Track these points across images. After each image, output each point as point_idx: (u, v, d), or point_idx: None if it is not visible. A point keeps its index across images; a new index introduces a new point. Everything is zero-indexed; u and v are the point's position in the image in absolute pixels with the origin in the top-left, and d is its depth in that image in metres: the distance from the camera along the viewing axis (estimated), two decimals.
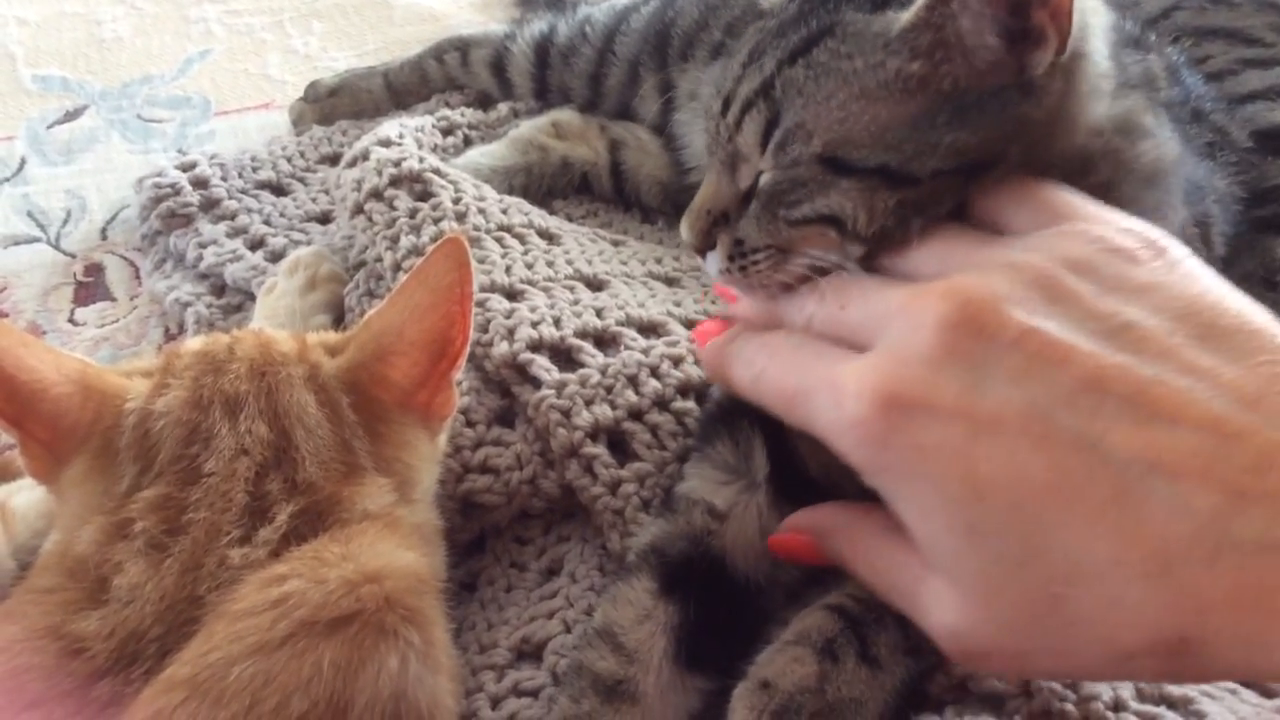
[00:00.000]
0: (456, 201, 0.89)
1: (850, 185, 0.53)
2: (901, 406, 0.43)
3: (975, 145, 0.52)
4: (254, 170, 1.10)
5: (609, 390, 0.75)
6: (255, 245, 1.00)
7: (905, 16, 0.52)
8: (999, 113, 0.52)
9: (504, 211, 0.90)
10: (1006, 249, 0.47)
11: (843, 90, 0.53)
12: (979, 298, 0.44)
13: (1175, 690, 0.57)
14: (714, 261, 0.60)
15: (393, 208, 0.89)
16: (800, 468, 0.67)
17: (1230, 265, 0.76)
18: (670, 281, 0.91)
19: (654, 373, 0.76)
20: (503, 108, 1.18)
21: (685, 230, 0.61)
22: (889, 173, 0.52)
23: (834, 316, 0.51)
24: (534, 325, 0.78)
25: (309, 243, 0.99)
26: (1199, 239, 0.66)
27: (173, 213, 1.03)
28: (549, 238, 0.91)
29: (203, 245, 1.00)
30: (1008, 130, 0.52)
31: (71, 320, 1.01)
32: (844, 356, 0.47)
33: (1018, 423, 0.41)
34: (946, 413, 0.42)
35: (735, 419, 0.69)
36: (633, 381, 0.75)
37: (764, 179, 0.56)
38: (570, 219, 1.04)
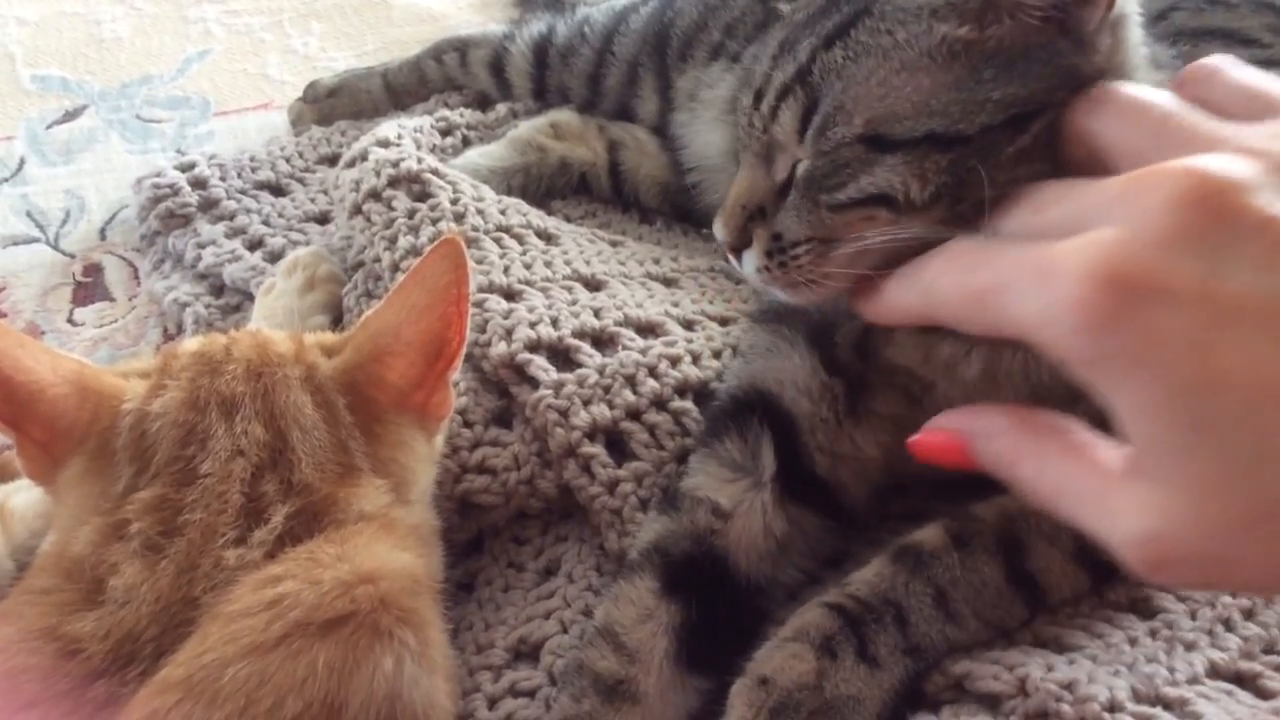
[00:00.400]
0: (454, 202, 0.89)
1: (896, 160, 0.53)
2: (1133, 288, 0.39)
3: (1025, 97, 0.52)
4: (253, 170, 1.10)
5: (607, 390, 0.75)
6: (254, 245, 1.01)
7: None
8: (1047, 64, 0.52)
9: (502, 212, 0.90)
10: (1234, 131, 0.44)
11: (883, 67, 0.53)
12: (1217, 178, 0.40)
13: (1171, 691, 0.57)
14: (750, 260, 0.59)
15: (391, 208, 0.89)
16: (808, 468, 0.67)
17: None
18: (668, 282, 0.91)
19: (652, 373, 0.76)
20: (501, 108, 1.18)
21: (719, 228, 0.60)
22: (936, 138, 0.52)
23: (1027, 221, 0.47)
24: (532, 325, 0.78)
25: (307, 243, 0.99)
26: None
27: (171, 213, 1.03)
28: (547, 238, 0.91)
29: (201, 245, 1.00)
30: (1058, 80, 0.52)
31: (70, 320, 1.01)
32: (1048, 244, 0.43)
33: (1263, 314, 0.38)
34: (1184, 297, 0.39)
35: (745, 416, 0.69)
36: (630, 381, 0.75)
37: (802, 167, 0.56)
38: (569, 219, 1.04)
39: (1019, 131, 0.52)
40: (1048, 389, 0.61)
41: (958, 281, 0.46)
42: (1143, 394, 0.40)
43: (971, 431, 0.50)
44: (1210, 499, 0.39)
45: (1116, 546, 0.42)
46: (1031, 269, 0.42)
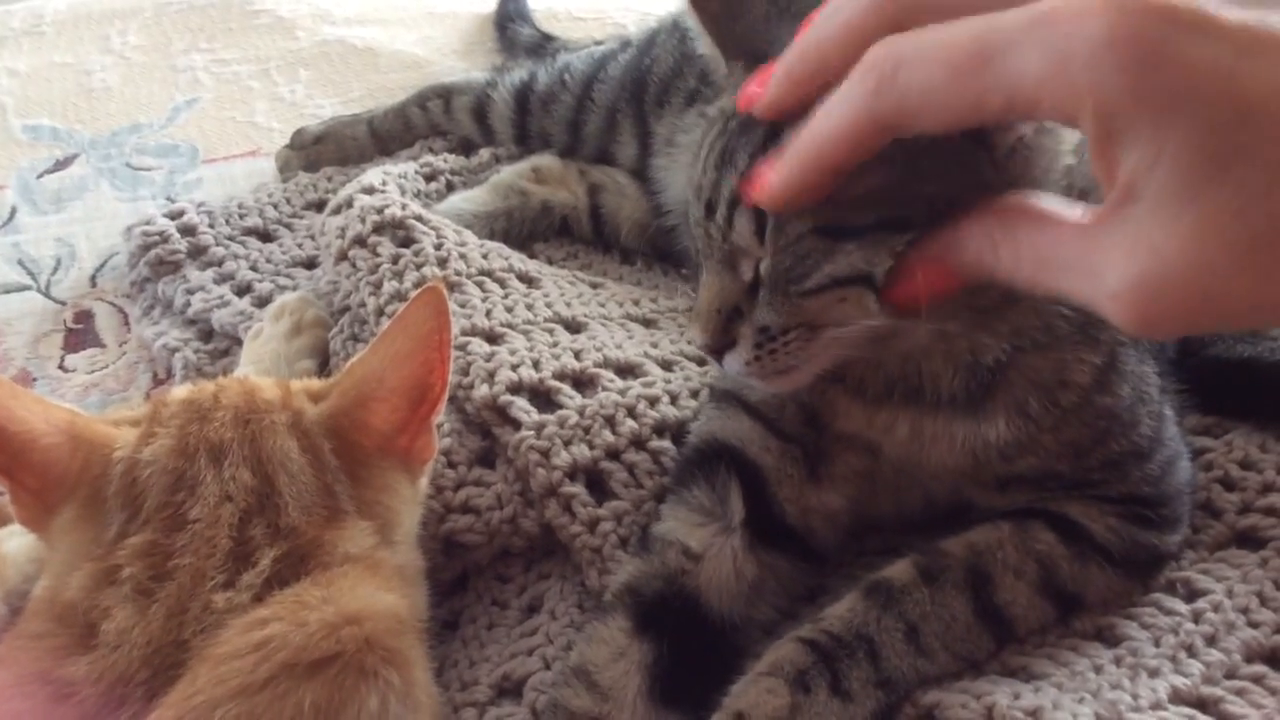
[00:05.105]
0: (438, 247, 0.91)
1: (852, 246, 0.54)
2: (1174, 20, 0.39)
3: (953, 197, 0.52)
4: (241, 217, 1.12)
5: (587, 430, 0.76)
6: (242, 291, 1.03)
7: None
8: (971, 171, 0.53)
9: (484, 256, 0.92)
10: None
11: None
12: None
13: (1135, 717, 0.58)
14: (736, 359, 0.60)
15: (376, 254, 0.91)
16: (778, 515, 0.69)
17: None
18: (648, 323, 0.93)
19: (631, 413, 0.78)
20: (484, 153, 1.20)
21: (698, 334, 0.61)
22: (888, 223, 0.53)
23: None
24: (513, 368, 0.79)
25: (295, 288, 1.01)
26: None
27: (161, 260, 1.05)
28: (529, 281, 0.93)
29: (190, 291, 1.02)
30: (977, 189, 0.53)
31: (61, 367, 1.02)
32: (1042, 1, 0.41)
33: None
34: (1218, 29, 0.39)
35: (712, 463, 0.70)
36: (610, 422, 0.77)
37: (765, 264, 0.58)
38: (551, 262, 1.06)
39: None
40: (969, 447, 0.65)
41: (940, 47, 0.43)
42: (1173, 132, 0.39)
43: (945, 248, 0.50)
44: (1214, 231, 0.39)
45: (1105, 301, 0.42)
46: (1044, 17, 0.41)
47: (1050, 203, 0.46)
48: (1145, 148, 0.40)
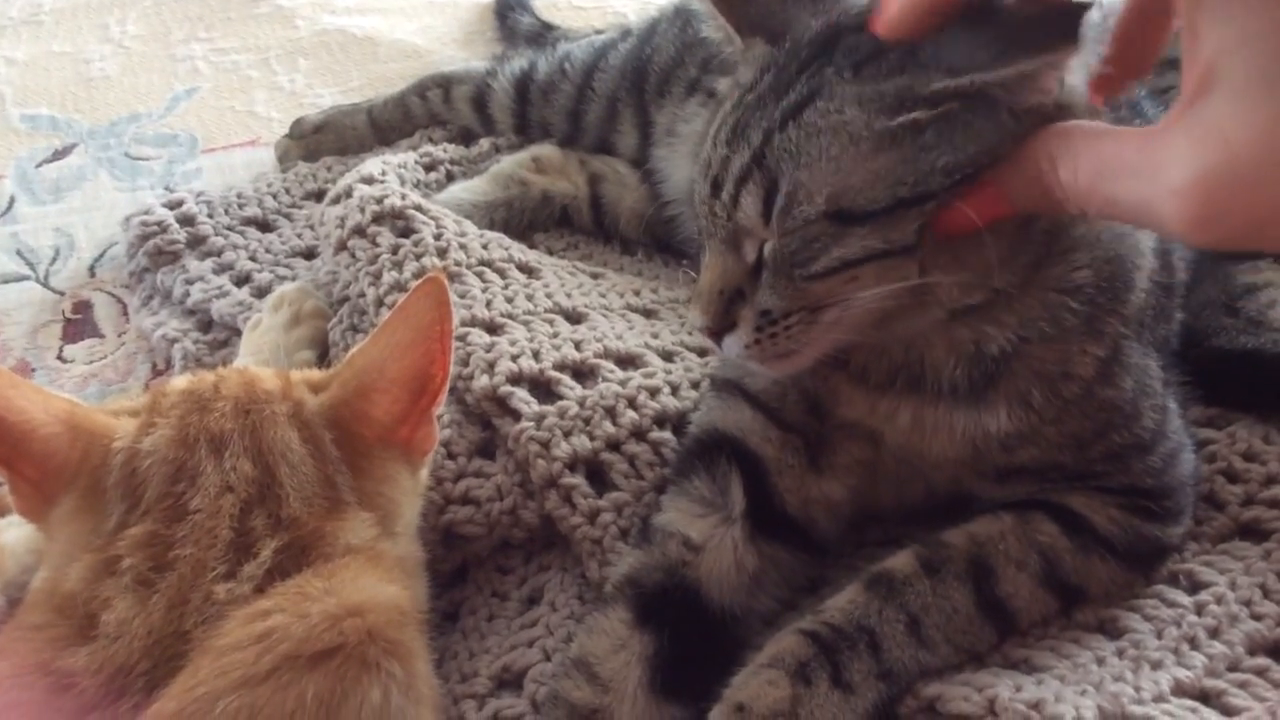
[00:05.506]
0: (438, 237, 0.91)
1: (865, 230, 0.54)
2: None
3: (967, 161, 0.53)
4: (240, 207, 1.12)
5: (587, 422, 0.76)
6: (241, 281, 1.02)
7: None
8: (993, 126, 0.53)
9: (484, 246, 0.92)
10: None
11: (836, 144, 0.54)
12: None
13: (1137, 709, 0.58)
14: (736, 342, 0.60)
15: (375, 244, 0.91)
16: (779, 506, 0.69)
17: (1192, 290, 0.78)
18: (648, 313, 0.93)
19: (631, 404, 0.78)
20: (484, 143, 1.20)
21: (698, 315, 0.61)
22: (904, 201, 0.54)
23: None
24: (514, 358, 0.79)
25: (294, 278, 1.01)
26: (1161, 262, 0.69)
27: (160, 250, 1.05)
28: (529, 272, 0.93)
29: (189, 282, 1.02)
30: (999, 140, 0.53)
31: (60, 357, 1.02)
32: None
33: None
34: None
35: (712, 454, 0.70)
36: (610, 413, 0.77)
37: (769, 247, 0.57)
38: (551, 252, 1.06)
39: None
40: (969, 437, 0.64)
41: None
42: (1264, 15, 0.40)
43: (1002, 173, 0.51)
44: None
45: (1165, 198, 0.42)
46: None
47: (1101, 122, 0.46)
48: (1232, 25, 0.40)
